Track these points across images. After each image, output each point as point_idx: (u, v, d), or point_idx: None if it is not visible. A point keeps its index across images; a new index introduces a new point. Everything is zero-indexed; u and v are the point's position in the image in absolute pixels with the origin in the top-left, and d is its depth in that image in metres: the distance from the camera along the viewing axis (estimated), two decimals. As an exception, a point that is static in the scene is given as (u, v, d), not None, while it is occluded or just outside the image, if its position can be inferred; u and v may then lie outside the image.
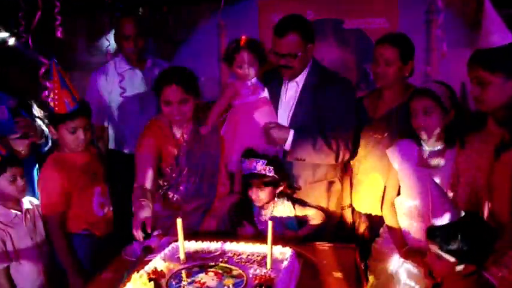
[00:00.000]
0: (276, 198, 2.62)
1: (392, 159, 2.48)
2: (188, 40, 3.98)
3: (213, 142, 2.71)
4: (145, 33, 3.27)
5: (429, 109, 2.29)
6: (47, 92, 2.71)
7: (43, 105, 2.70)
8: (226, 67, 2.74)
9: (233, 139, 2.67)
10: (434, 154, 2.37)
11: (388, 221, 2.52)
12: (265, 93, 2.70)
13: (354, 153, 2.74)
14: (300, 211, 2.65)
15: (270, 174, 2.52)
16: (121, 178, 2.76)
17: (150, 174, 2.53)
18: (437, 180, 2.24)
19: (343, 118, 2.64)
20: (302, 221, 2.65)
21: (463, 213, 1.90)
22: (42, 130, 2.77)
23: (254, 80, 2.66)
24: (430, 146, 2.37)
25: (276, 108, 2.73)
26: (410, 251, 2.38)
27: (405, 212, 2.44)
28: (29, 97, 2.88)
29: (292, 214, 2.63)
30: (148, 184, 2.49)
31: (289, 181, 2.65)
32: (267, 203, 2.60)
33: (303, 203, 2.69)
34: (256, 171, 2.52)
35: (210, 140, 2.70)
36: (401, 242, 2.44)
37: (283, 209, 2.63)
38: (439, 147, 2.36)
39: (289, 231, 2.58)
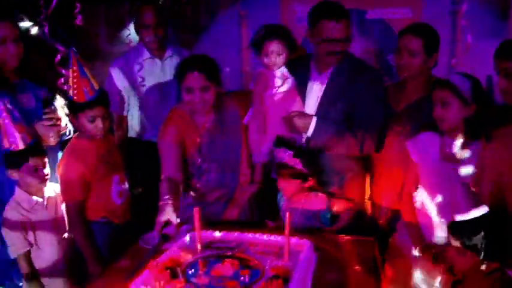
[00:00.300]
0: (307, 192, 2.57)
1: (413, 152, 2.43)
2: (208, 30, 3.96)
3: (235, 131, 2.69)
4: (165, 22, 3.25)
5: (446, 100, 2.24)
6: (63, 79, 2.73)
7: (62, 94, 2.72)
8: (253, 56, 2.70)
9: (261, 130, 2.63)
10: (456, 148, 2.32)
11: (406, 216, 2.48)
12: (293, 83, 2.67)
13: (379, 146, 2.70)
14: (334, 204, 2.60)
15: (298, 167, 2.48)
16: (140, 166, 2.77)
17: (176, 164, 2.53)
18: (460, 174, 2.20)
19: (371, 109, 2.62)
20: (334, 214, 2.59)
21: (487, 209, 1.86)
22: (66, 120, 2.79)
23: (283, 69, 2.63)
24: (452, 139, 2.32)
25: (303, 97, 2.70)
26: (427, 247, 2.33)
27: (424, 206, 2.39)
28: (52, 86, 2.89)
29: (326, 207, 2.58)
30: (175, 174, 2.50)
31: (321, 178, 2.60)
32: (297, 195, 2.56)
33: (335, 196, 2.64)
34: (284, 162, 2.49)
35: (232, 129, 2.68)
36: (418, 237, 2.39)
37: (317, 202, 2.58)
38: (461, 141, 2.31)
39: (328, 227, 2.53)
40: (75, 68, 2.39)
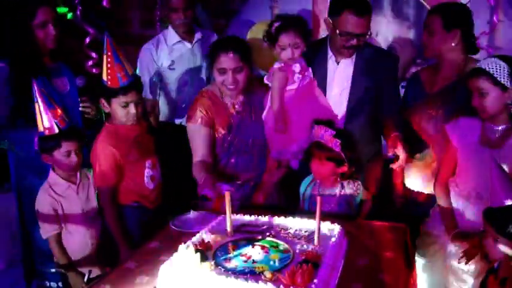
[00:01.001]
0: (339, 178, 2.50)
1: (452, 136, 2.36)
2: (240, 14, 3.94)
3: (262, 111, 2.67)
4: (193, 4, 3.24)
5: (484, 90, 2.15)
6: (91, 62, 2.75)
7: (95, 79, 2.75)
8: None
9: (281, 128, 2.56)
10: (497, 133, 2.24)
11: (441, 201, 2.41)
12: (310, 74, 2.62)
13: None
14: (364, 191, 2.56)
15: (336, 149, 2.39)
16: (171, 149, 2.78)
17: (207, 147, 2.55)
18: (500, 161, 2.13)
19: (395, 92, 2.66)
20: (362, 200, 2.56)
21: None
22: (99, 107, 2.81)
23: (301, 60, 2.56)
24: (494, 124, 2.24)
25: (323, 86, 2.66)
26: (460, 234, 2.28)
27: (462, 192, 2.32)
28: (86, 72, 2.92)
29: (360, 195, 2.53)
30: (207, 158, 2.53)
31: (357, 165, 2.51)
32: (328, 180, 2.51)
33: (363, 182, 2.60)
34: (322, 141, 2.42)
35: (260, 113, 2.66)
36: (452, 223, 2.34)
37: (354, 189, 2.51)
38: (503, 126, 2.23)
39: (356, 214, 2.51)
40: (109, 54, 2.38)
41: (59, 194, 2.47)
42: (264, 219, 2.16)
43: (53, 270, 2.57)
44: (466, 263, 2.16)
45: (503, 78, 2.12)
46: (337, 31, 2.51)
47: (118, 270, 1.99)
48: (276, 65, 2.58)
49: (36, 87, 2.34)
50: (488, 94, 2.16)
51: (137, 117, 2.54)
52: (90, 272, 2.40)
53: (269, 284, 1.60)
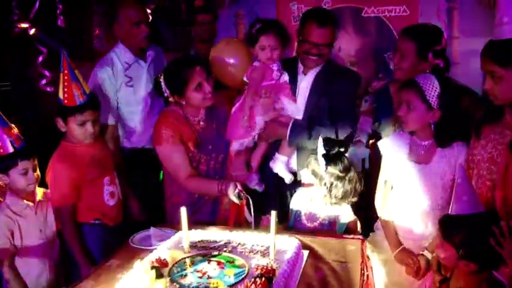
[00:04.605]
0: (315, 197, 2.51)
1: (384, 152, 2.42)
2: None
3: (224, 125, 2.73)
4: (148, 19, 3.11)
5: (411, 104, 2.22)
6: (45, 81, 2.71)
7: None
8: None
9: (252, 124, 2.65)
10: (423, 148, 2.31)
11: (382, 216, 2.47)
12: (287, 77, 2.70)
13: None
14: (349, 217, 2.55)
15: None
16: (132, 171, 2.74)
17: (188, 162, 2.59)
18: (428, 175, 2.22)
19: (349, 108, 2.72)
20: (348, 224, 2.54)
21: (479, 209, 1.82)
22: None
23: (278, 63, 2.66)
24: (419, 139, 2.31)
25: (294, 94, 2.75)
26: (404, 252, 2.34)
27: (396, 207, 2.39)
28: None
29: (345, 219, 2.52)
30: (192, 171, 2.58)
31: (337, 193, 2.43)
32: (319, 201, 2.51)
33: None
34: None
35: (222, 124, 2.72)
36: (393, 239, 2.39)
37: (340, 211, 2.51)
38: (428, 141, 2.29)
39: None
40: (66, 72, 2.35)
41: (17, 214, 2.41)
42: (221, 234, 2.18)
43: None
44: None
45: (432, 98, 2.18)
46: (301, 38, 2.67)
47: (75, 288, 1.97)
48: (256, 63, 2.68)
49: None
50: (414, 109, 2.21)
51: (95, 136, 2.52)
52: None
53: (222, 299, 1.61)
